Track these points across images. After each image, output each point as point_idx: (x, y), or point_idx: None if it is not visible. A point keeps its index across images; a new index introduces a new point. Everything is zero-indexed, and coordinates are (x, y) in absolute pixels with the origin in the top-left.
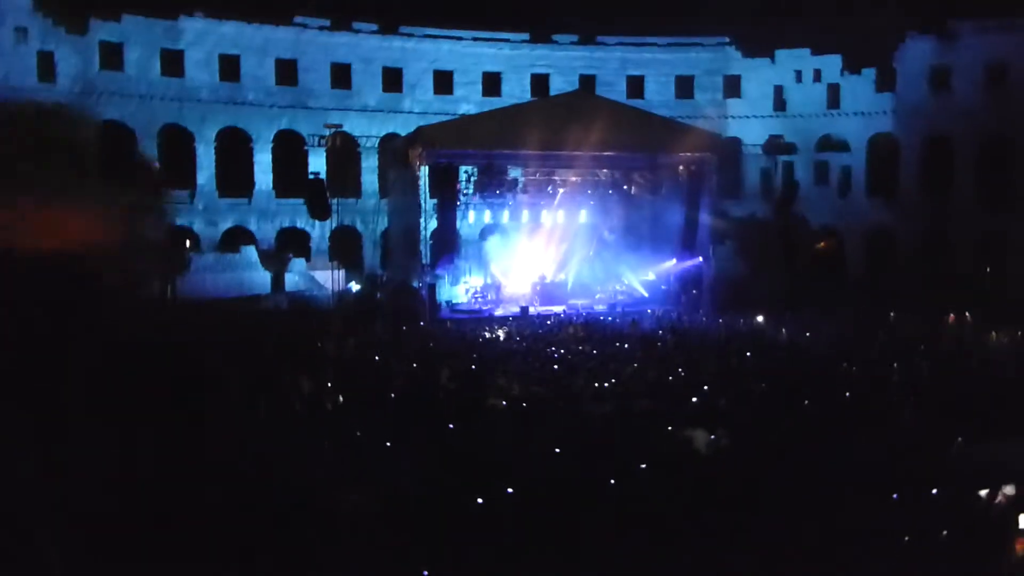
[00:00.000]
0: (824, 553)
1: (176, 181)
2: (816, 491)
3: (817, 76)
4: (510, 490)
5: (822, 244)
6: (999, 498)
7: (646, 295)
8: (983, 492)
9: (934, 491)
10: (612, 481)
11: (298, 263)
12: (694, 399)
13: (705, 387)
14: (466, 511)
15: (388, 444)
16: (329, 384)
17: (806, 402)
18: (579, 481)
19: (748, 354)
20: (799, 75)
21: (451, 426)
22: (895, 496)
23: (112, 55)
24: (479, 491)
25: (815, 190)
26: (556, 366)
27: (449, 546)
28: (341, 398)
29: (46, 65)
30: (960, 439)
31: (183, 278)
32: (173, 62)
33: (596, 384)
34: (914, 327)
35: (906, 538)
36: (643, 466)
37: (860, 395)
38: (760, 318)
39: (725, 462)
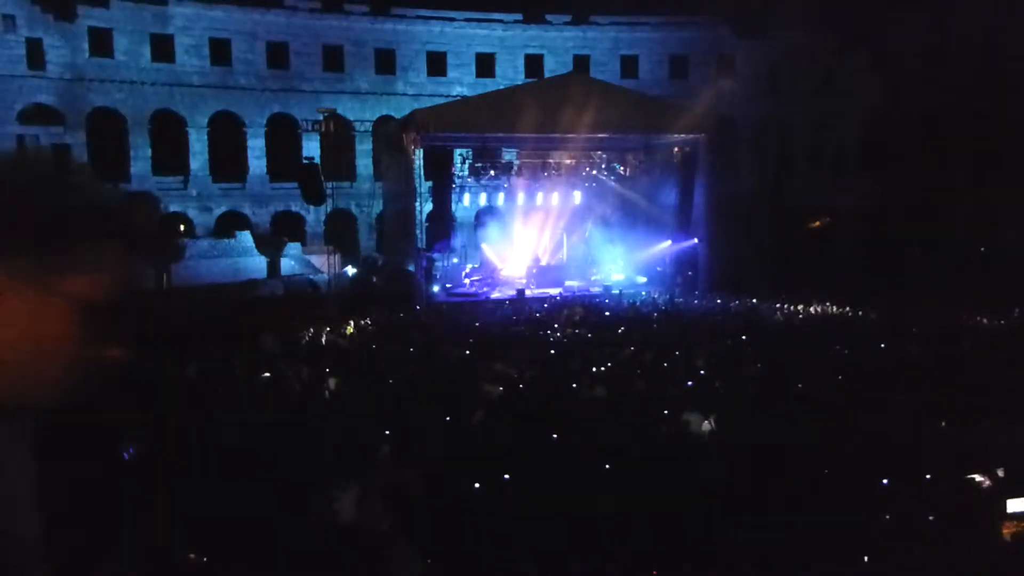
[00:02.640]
0: (815, 537)
1: (169, 167)
2: (809, 476)
3: (810, 56)
4: (507, 476)
5: (816, 223)
6: (987, 482)
7: (643, 280)
8: (973, 476)
9: (927, 477)
10: (607, 466)
11: (294, 247)
12: (689, 383)
13: (701, 371)
14: (463, 498)
15: (387, 432)
16: (327, 370)
17: (799, 385)
18: (574, 467)
19: (743, 336)
20: (792, 54)
21: (447, 418)
22: (884, 483)
23: (101, 42)
24: (476, 478)
25: (810, 169)
26: (552, 350)
27: (447, 535)
28: (338, 385)
29: (35, 53)
30: (945, 422)
31: (178, 266)
32: (163, 48)
33: (592, 368)
34: (905, 308)
35: (889, 520)
36: (639, 452)
37: (852, 378)
38: (754, 299)
39: (720, 446)
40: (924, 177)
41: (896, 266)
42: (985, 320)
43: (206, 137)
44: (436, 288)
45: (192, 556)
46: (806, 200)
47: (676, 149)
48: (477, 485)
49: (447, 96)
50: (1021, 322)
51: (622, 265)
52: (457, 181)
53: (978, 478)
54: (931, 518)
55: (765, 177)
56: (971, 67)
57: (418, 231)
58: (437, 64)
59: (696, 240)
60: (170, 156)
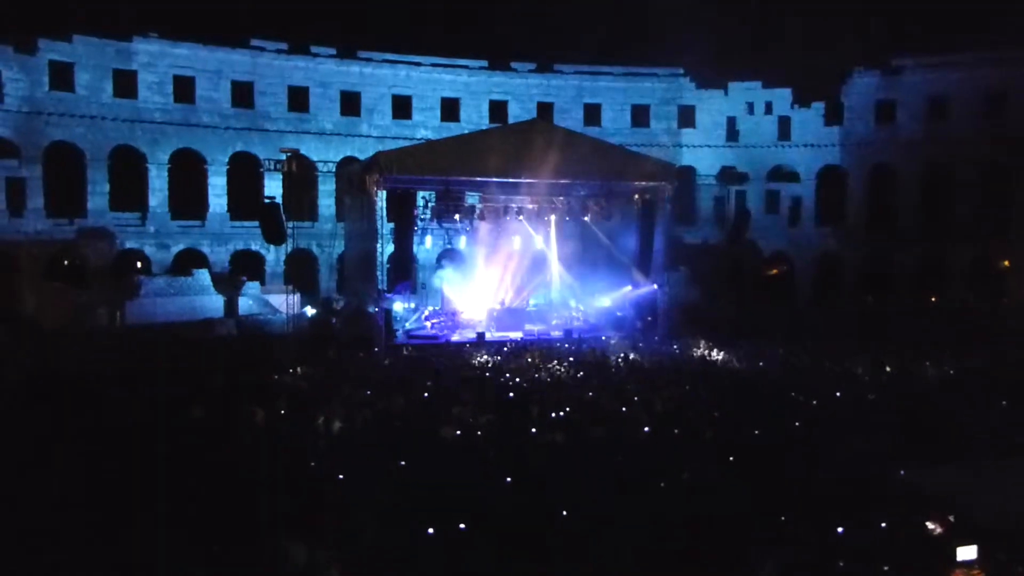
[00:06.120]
0: None
1: (127, 203)
2: (766, 522)
3: (768, 108)
4: (462, 525)
5: (773, 271)
6: (939, 529)
7: (603, 325)
8: (926, 524)
9: (883, 524)
10: (564, 512)
11: (252, 287)
12: (646, 428)
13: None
14: (418, 544)
15: (341, 477)
16: (283, 413)
17: (756, 432)
18: (531, 511)
19: (701, 383)
20: (751, 107)
21: (402, 463)
22: (840, 530)
23: (62, 76)
24: (431, 523)
25: (766, 218)
26: (511, 394)
27: None
28: (293, 428)
29: None
30: (903, 471)
31: (132, 303)
32: (126, 83)
33: (551, 414)
34: (859, 356)
35: (844, 567)
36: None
37: (808, 425)
38: (713, 346)
39: (677, 492)
40: (877, 230)
41: (851, 313)
42: (943, 368)
43: (166, 174)
44: (396, 330)
45: None
46: (764, 249)
47: (637, 196)
48: (431, 531)
49: (411, 139)
50: (971, 370)
51: (583, 310)
52: (419, 223)
53: (931, 525)
54: (885, 568)
55: (724, 226)
56: (923, 123)
57: (379, 273)
58: (402, 107)
59: (656, 286)
60: (128, 192)
